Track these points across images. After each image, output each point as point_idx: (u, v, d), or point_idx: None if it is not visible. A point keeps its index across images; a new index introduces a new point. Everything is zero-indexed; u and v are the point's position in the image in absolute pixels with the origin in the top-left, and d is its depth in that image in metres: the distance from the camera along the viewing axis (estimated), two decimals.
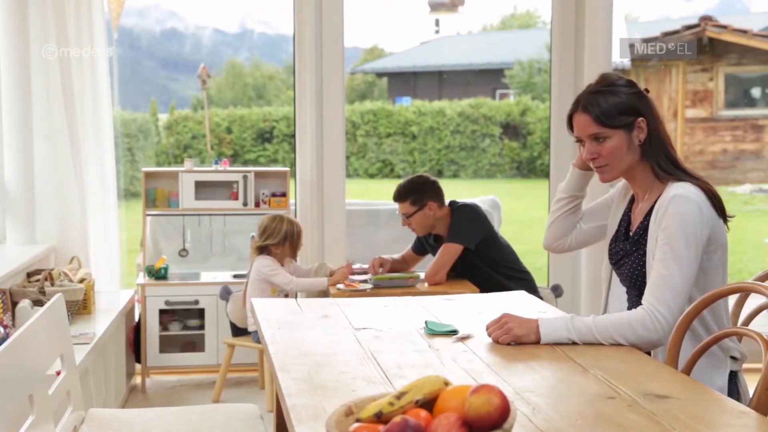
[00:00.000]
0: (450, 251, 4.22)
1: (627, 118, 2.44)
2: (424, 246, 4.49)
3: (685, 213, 2.32)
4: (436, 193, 4.31)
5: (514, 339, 2.29)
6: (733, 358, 2.42)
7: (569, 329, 2.29)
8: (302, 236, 4.47)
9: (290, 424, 1.76)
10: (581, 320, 2.31)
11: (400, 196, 4.31)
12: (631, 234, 2.53)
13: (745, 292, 2.31)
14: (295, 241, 4.42)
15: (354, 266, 4.45)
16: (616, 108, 2.44)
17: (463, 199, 4.55)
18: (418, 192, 4.28)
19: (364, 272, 4.40)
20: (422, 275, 4.28)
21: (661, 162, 2.45)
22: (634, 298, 2.48)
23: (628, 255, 2.50)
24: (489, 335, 2.35)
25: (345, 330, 2.47)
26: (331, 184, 4.91)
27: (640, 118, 2.45)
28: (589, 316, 2.34)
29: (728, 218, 2.43)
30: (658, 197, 2.41)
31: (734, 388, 2.43)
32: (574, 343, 2.28)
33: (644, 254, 2.44)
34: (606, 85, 2.49)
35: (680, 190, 2.36)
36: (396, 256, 4.51)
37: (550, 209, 2.80)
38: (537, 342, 2.28)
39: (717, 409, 1.82)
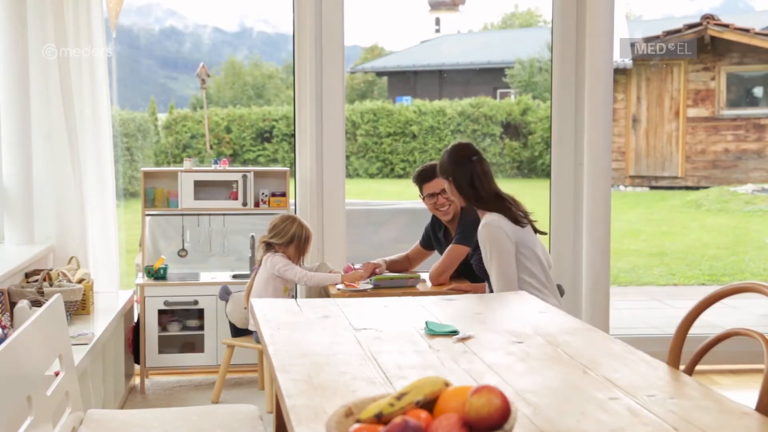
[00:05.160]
0: (457, 253, 4.15)
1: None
2: (431, 240, 4.43)
3: (491, 236, 3.53)
4: None
5: None
6: None
7: None
8: (310, 242, 4.39)
9: (290, 425, 1.75)
10: None
11: (434, 171, 4.03)
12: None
13: (745, 292, 2.30)
14: (302, 245, 4.34)
15: (355, 267, 4.43)
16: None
17: None
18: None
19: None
20: (423, 275, 4.26)
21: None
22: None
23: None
24: None
25: (345, 330, 2.46)
26: (331, 184, 4.89)
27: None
28: None
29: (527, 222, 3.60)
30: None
31: None
32: None
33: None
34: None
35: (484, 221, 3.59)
36: (396, 256, 4.48)
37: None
38: None
39: (719, 409, 1.81)
